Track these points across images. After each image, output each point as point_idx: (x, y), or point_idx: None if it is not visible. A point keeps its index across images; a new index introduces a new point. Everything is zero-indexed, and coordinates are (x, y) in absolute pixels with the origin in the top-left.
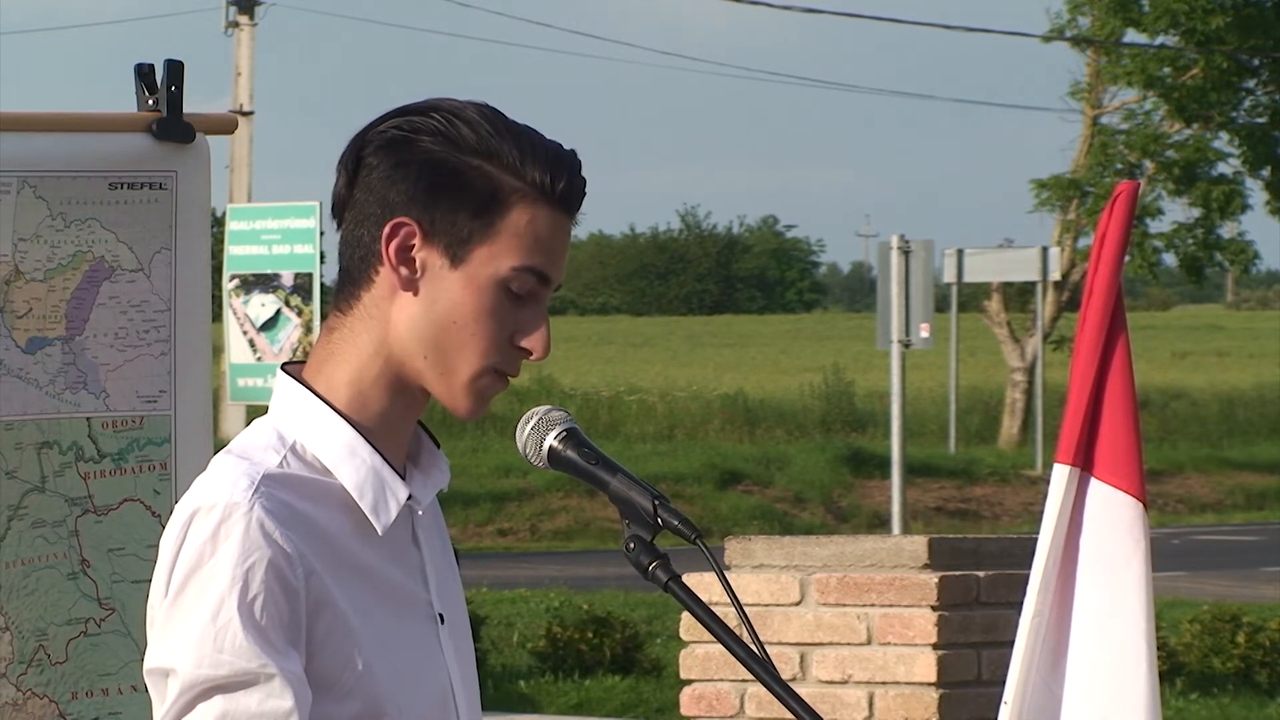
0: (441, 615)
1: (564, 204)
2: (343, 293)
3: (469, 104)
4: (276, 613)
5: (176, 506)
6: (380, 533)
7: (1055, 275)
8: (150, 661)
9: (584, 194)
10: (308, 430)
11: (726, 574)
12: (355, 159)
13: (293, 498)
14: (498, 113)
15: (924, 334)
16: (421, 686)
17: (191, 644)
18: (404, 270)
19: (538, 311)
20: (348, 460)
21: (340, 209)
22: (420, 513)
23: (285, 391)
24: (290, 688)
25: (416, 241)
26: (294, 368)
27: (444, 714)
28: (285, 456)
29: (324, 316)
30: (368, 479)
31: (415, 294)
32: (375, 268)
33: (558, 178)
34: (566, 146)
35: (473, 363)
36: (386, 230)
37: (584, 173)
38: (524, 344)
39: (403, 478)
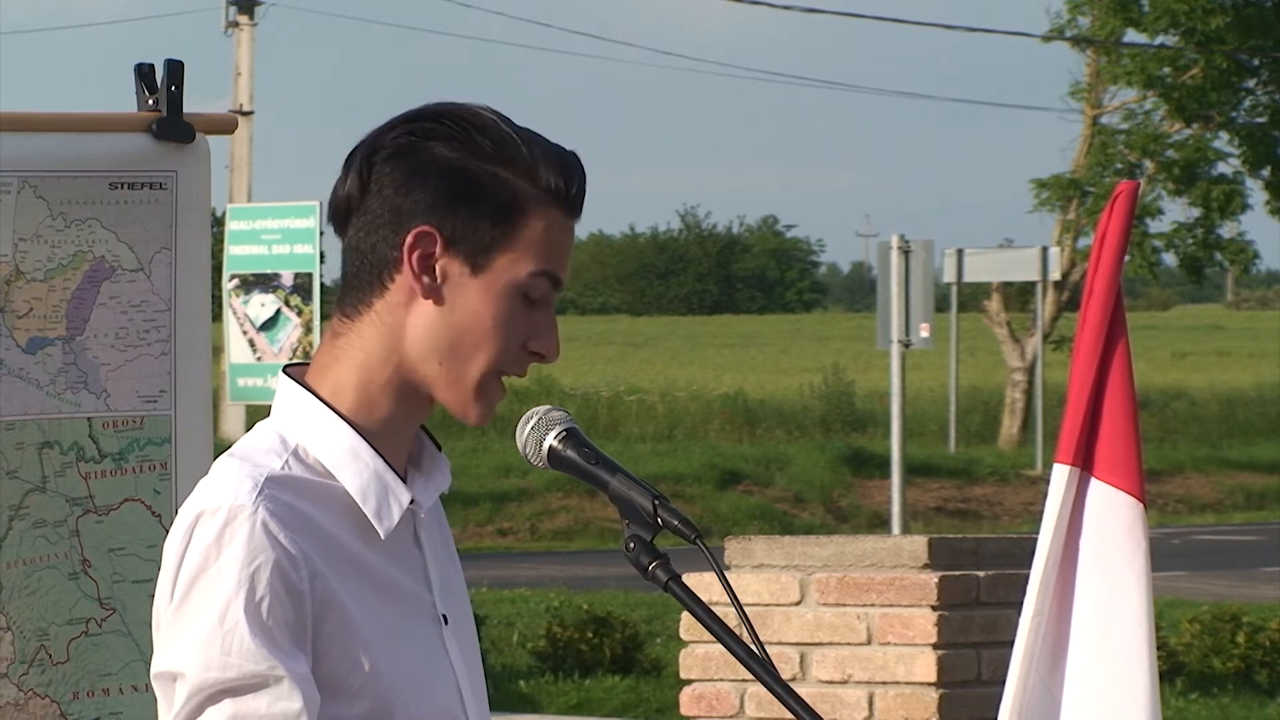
0: (445, 616)
1: (573, 208)
2: (349, 298)
3: (478, 109)
4: (283, 615)
5: (180, 510)
6: (383, 536)
7: (1055, 275)
8: (157, 666)
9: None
10: (310, 434)
11: (726, 574)
12: (367, 166)
13: (296, 500)
14: (505, 117)
15: (924, 334)
16: (428, 687)
17: (199, 647)
18: (425, 279)
19: (549, 315)
20: (350, 464)
21: (344, 215)
22: (422, 515)
23: (287, 395)
24: (299, 689)
25: (437, 250)
26: (296, 371)
27: (451, 715)
28: (287, 460)
29: (324, 317)
30: (370, 482)
31: (436, 302)
32: (391, 275)
33: (570, 182)
34: (568, 149)
35: (483, 368)
36: (409, 239)
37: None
38: (537, 348)
39: (404, 480)
